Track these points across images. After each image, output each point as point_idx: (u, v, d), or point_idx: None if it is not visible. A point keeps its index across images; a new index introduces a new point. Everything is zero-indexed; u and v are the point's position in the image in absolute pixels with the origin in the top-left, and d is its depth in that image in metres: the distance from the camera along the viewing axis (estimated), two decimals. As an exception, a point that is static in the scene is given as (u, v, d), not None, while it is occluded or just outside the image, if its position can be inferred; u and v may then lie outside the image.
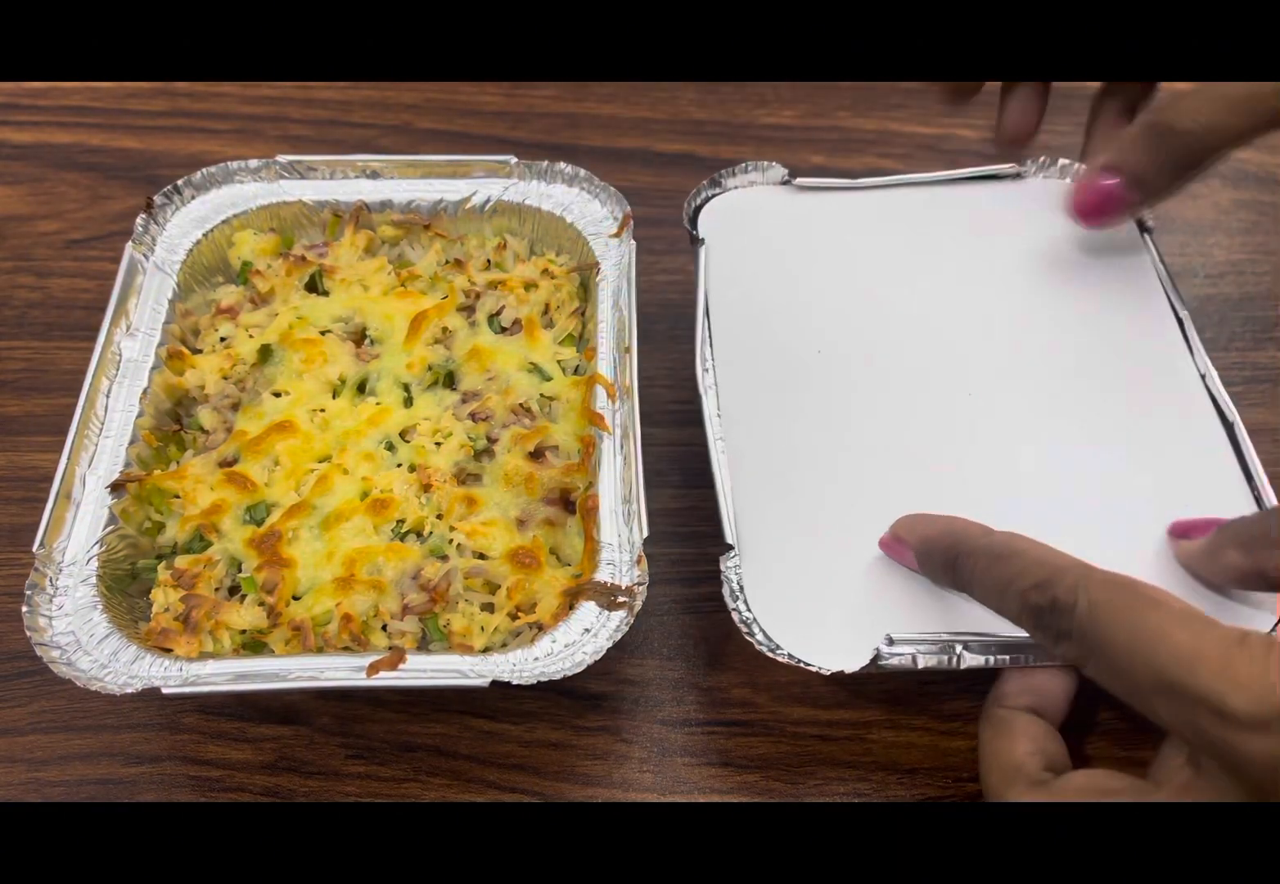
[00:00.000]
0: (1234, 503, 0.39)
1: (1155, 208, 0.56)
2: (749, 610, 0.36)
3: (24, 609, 0.36)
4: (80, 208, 0.54)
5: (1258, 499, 0.39)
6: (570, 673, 0.34)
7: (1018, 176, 0.48)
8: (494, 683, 0.34)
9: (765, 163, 0.47)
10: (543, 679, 0.34)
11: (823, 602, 0.37)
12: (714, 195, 0.47)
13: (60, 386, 0.48)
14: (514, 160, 0.48)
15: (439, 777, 0.39)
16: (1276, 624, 0.36)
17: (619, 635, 0.35)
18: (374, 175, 0.48)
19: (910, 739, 0.40)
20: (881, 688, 0.41)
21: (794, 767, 0.40)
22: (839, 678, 0.42)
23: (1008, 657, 0.35)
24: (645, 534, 0.37)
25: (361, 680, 0.35)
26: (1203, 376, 0.42)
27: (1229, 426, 0.40)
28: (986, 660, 0.35)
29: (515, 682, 0.34)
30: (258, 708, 0.40)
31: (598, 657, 0.35)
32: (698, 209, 0.46)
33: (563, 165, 0.48)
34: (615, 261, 0.46)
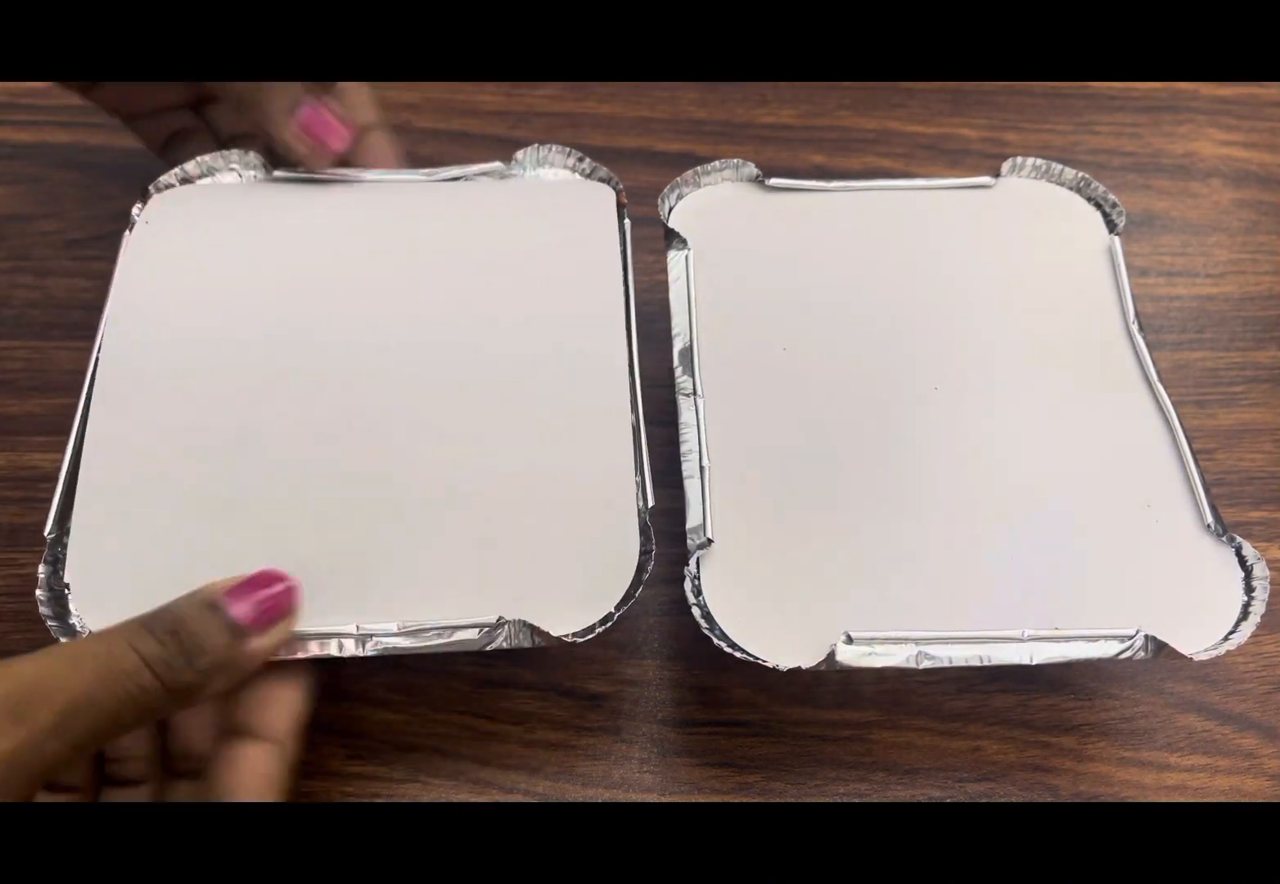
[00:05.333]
0: (1169, 482, 0.40)
1: (1150, 207, 0.57)
2: (708, 606, 0.36)
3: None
4: (80, 207, 0.54)
5: (1193, 494, 0.39)
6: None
7: (990, 186, 0.48)
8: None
9: (738, 161, 0.47)
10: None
11: (786, 598, 0.37)
12: (687, 192, 0.47)
13: (60, 386, 0.48)
14: (499, 165, 0.47)
15: (439, 777, 0.39)
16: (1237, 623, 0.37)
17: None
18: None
19: (910, 739, 0.40)
20: (881, 688, 0.41)
21: (794, 767, 0.40)
22: (833, 677, 0.42)
23: (968, 656, 0.35)
24: (651, 503, 0.37)
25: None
26: (1144, 375, 0.42)
27: (1166, 420, 0.41)
28: (949, 659, 0.35)
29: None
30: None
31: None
32: (671, 209, 0.46)
33: (544, 170, 0.47)
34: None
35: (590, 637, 0.35)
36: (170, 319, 0.42)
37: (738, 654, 0.35)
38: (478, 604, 0.35)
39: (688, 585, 0.36)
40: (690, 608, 0.36)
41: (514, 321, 0.42)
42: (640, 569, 0.36)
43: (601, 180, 0.46)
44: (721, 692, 0.41)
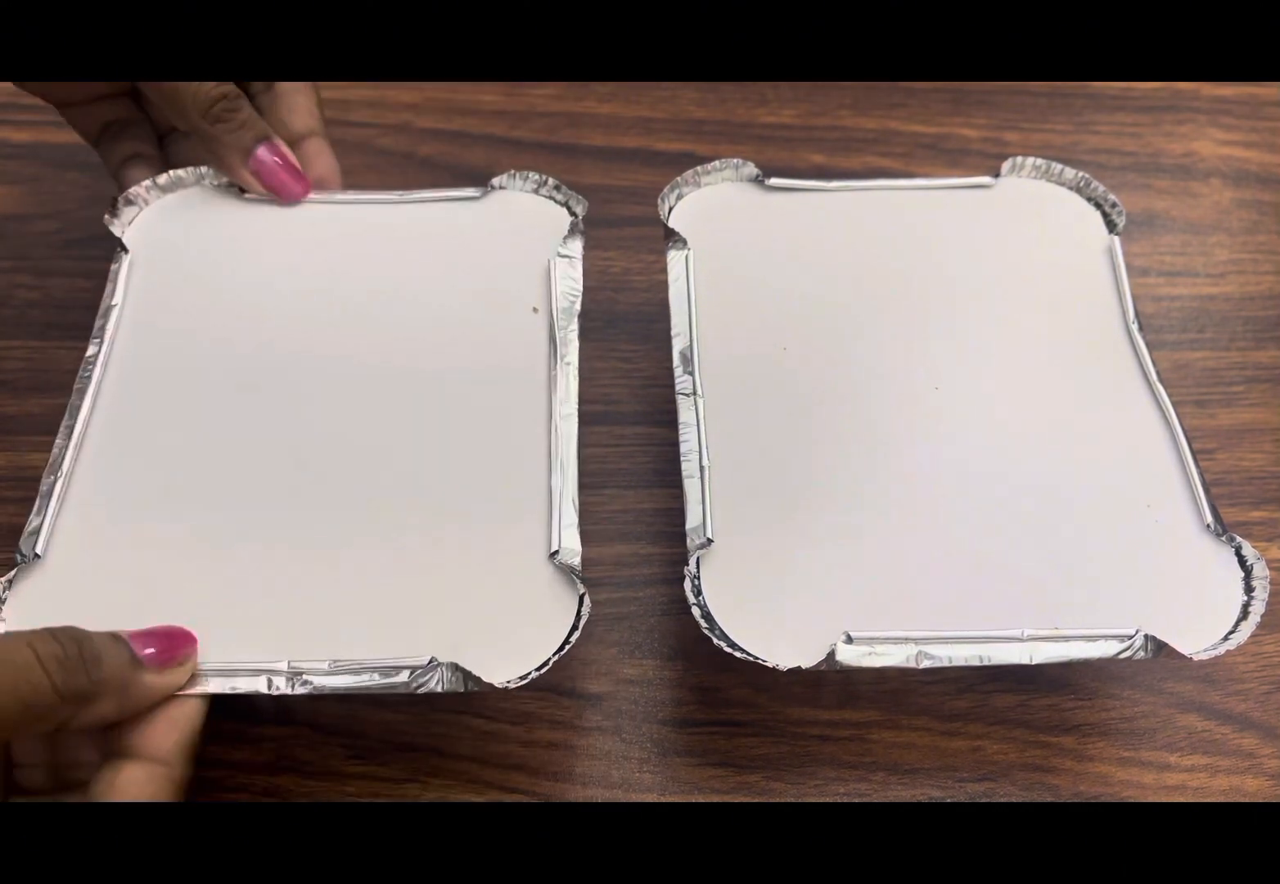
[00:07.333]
0: (1169, 482, 0.39)
1: (1150, 207, 0.57)
2: (708, 606, 0.36)
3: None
4: (80, 208, 0.54)
5: (1193, 494, 0.39)
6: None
7: (990, 186, 0.47)
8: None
9: (738, 161, 0.47)
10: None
11: (786, 598, 0.37)
12: (687, 192, 0.47)
13: (59, 386, 0.48)
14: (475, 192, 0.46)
15: (439, 777, 0.39)
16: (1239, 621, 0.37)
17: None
18: None
19: (910, 739, 0.40)
20: (882, 688, 0.41)
21: (794, 767, 0.40)
22: (826, 678, 0.42)
23: (968, 656, 0.35)
24: (554, 548, 0.37)
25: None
26: (1144, 375, 0.42)
27: (1166, 420, 0.41)
28: (949, 659, 0.35)
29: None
30: (258, 708, 0.40)
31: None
32: (670, 209, 0.46)
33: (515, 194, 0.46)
34: None
35: (524, 683, 0.34)
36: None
37: (738, 654, 0.35)
38: (413, 647, 0.34)
39: (688, 585, 0.36)
40: (690, 608, 0.36)
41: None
42: (578, 614, 0.36)
43: (560, 204, 0.46)
44: (721, 692, 0.41)
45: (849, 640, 0.35)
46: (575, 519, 0.37)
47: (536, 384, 0.41)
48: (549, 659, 0.34)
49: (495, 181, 0.46)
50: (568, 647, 0.35)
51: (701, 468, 0.39)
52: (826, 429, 0.41)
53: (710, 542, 0.37)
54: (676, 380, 0.41)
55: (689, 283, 0.44)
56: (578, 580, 0.36)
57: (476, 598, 0.36)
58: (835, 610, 0.36)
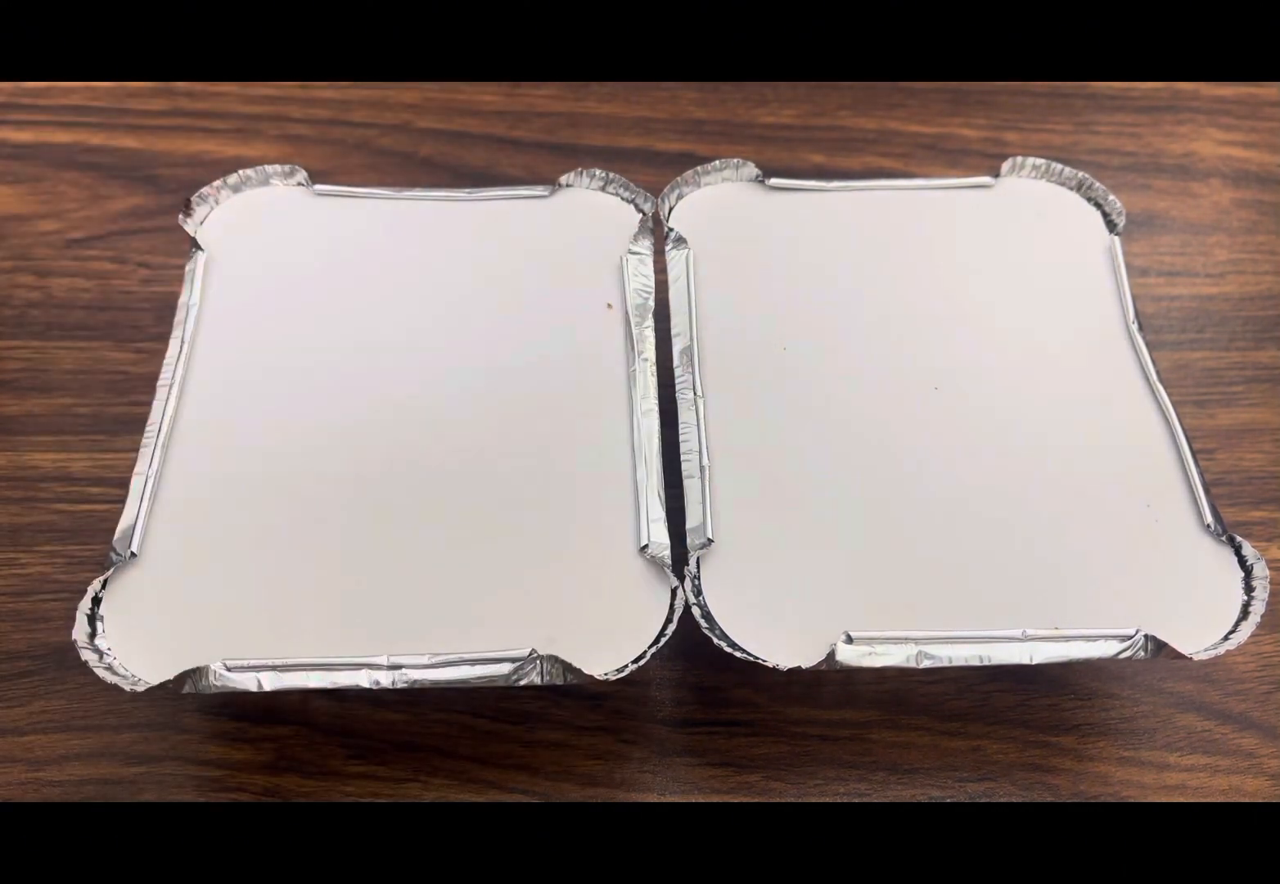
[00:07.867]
0: (1169, 482, 0.40)
1: (1150, 207, 0.57)
2: (708, 606, 0.36)
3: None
4: (80, 207, 0.54)
5: (1193, 494, 0.39)
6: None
7: (990, 186, 0.48)
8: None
9: (738, 161, 0.47)
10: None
11: (786, 598, 0.37)
12: (687, 192, 0.47)
13: (60, 386, 0.48)
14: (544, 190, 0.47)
15: (439, 777, 0.39)
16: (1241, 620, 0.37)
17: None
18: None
19: (910, 739, 0.40)
20: (882, 688, 0.41)
21: (794, 767, 0.40)
22: (834, 677, 0.42)
23: (968, 656, 0.35)
24: (645, 543, 0.37)
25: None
26: (1144, 375, 0.42)
27: (1166, 420, 0.41)
28: (949, 659, 0.35)
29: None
30: (258, 708, 0.40)
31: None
32: (671, 209, 0.46)
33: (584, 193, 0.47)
34: None
35: (623, 675, 0.34)
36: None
37: (738, 654, 0.35)
38: (508, 641, 0.35)
39: (688, 585, 0.36)
40: (690, 608, 0.36)
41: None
42: (671, 607, 0.36)
43: (627, 201, 0.46)
44: (721, 692, 0.41)
45: (849, 640, 0.35)
46: (662, 513, 0.38)
47: (615, 380, 0.41)
48: (646, 652, 0.35)
49: (563, 179, 0.47)
50: (663, 639, 0.35)
51: (701, 468, 0.39)
52: (826, 429, 0.41)
53: (710, 542, 0.37)
54: (677, 380, 0.41)
55: (689, 283, 0.44)
56: (669, 574, 0.36)
57: (569, 592, 0.36)
58: (835, 610, 0.36)
